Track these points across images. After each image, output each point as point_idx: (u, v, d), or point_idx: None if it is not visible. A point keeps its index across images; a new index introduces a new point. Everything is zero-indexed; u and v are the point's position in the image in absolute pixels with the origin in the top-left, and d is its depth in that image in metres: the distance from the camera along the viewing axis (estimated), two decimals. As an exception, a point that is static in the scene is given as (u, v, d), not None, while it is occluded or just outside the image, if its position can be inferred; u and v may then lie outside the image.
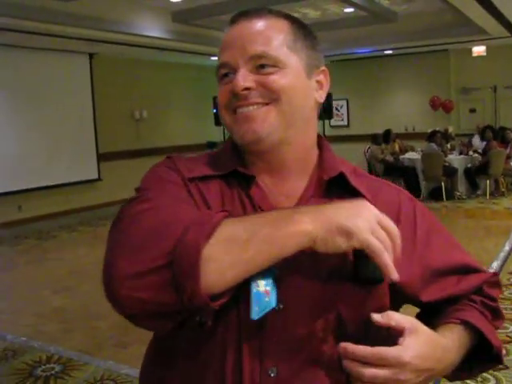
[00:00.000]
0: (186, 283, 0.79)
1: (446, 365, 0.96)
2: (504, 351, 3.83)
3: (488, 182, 10.09)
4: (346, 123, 14.63)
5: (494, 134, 11.02)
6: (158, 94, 12.45)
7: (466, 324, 1.01)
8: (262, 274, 0.86)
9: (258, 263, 0.83)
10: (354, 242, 0.84)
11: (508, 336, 4.09)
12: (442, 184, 10.00)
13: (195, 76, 13.29)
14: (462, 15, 9.24)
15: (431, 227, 1.10)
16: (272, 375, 0.90)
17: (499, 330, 3.46)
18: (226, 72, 1.00)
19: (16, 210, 9.55)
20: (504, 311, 3.64)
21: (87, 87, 10.71)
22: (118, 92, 11.40)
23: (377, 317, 0.88)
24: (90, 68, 10.76)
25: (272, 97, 0.97)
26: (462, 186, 10.36)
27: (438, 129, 11.25)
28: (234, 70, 0.98)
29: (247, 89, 0.96)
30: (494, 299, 1.11)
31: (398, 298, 1.02)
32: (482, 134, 11.19)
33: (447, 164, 10.18)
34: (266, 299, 0.86)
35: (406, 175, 10.58)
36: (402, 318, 0.89)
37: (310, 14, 10.37)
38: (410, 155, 11.01)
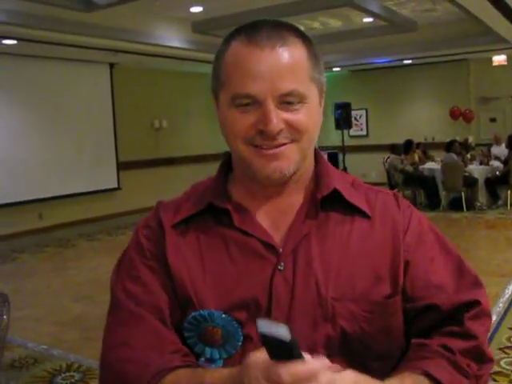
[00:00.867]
0: None
1: None
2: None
3: (509, 192, 9.98)
4: (365, 133, 14.58)
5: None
6: (177, 103, 12.52)
7: (427, 376, 0.93)
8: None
9: None
10: None
11: None
12: (462, 194, 9.92)
13: (214, 86, 13.34)
14: (482, 24, 9.17)
15: (431, 238, 1.10)
16: None
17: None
18: (247, 102, 0.95)
19: (37, 219, 9.65)
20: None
21: (107, 97, 10.82)
22: (138, 101, 11.49)
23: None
24: (111, 78, 10.87)
25: (296, 136, 0.97)
26: (482, 197, 10.25)
27: (457, 138, 11.16)
28: (259, 104, 0.94)
29: (280, 131, 0.95)
30: (473, 337, 0.99)
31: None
32: (509, 142, 10.88)
33: (467, 174, 10.09)
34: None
35: (426, 185, 10.51)
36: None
37: (329, 24, 10.38)
38: (429, 165, 10.94)
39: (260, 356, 0.77)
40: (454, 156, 10.24)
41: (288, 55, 0.95)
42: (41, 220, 9.71)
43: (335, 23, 10.40)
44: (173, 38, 9.29)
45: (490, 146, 11.68)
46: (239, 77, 0.95)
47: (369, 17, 9.43)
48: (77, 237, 9.28)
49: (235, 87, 0.96)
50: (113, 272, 1.13)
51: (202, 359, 0.99)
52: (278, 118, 0.94)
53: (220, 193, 1.06)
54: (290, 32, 0.98)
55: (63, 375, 3.98)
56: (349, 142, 13.42)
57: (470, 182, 10.08)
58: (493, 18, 8.65)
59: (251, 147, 0.97)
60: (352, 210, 1.04)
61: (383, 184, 11.24)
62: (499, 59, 12.36)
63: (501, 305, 4.99)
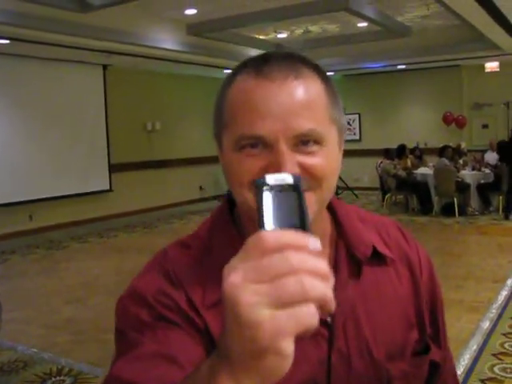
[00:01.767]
0: None
1: None
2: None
3: (501, 198, 10.02)
4: (358, 137, 14.62)
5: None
6: (170, 105, 12.49)
7: None
8: None
9: None
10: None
11: None
12: (455, 200, 9.94)
13: (208, 88, 13.31)
14: (475, 31, 9.22)
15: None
16: None
17: (508, 375, 3.23)
18: (255, 143, 0.81)
19: (27, 220, 9.58)
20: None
21: (100, 98, 10.77)
22: (131, 103, 11.46)
23: None
24: (104, 79, 10.82)
25: (313, 184, 0.82)
26: (474, 202, 10.28)
27: (450, 144, 11.20)
28: (269, 146, 0.80)
29: None
30: None
31: None
32: (498, 148, 11.05)
33: (460, 179, 10.13)
34: None
35: (419, 190, 10.53)
36: None
37: (324, 28, 10.40)
38: (422, 170, 10.96)
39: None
40: (447, 161, 10.27)
41: (304, 89, 0.81)
42: (31, 221, 9.64)
43: (330, 28, 10.42)
44: (167, 40, 9.27)
45: (483, 152, 11.73)
46: (245, 115, 0.81)
47: (363, 22, 9.45)
48: (68, 239, 9.23)
49: (241, 127, 0.81)
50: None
51: None
52: (292, 162, 0.79)
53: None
54: (305, 64, 0.85)
55: (54, 379, 3.94)
56: (342, 147, 13.44)
57: (463, 188, 10.11)
58: (486, 25, 8.69)
59: None
60: (379, 258, 0.96)
61: (375, 189, 11.26)
62: (492, 66, 12.44)
63: (494, 311, 4.99)
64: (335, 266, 0.92)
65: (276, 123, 0.79)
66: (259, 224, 0.55)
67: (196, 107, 13.12)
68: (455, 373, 1.09)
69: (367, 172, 13.36)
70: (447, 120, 12.97)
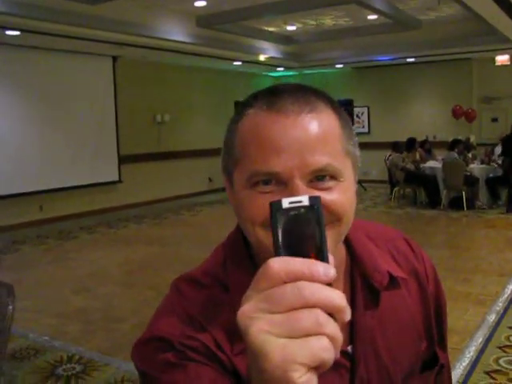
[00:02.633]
0: None
1: None
2: (526, 364, 3.79)
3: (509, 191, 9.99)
4: (366, 130, 14.60)
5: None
6: (180, 97, 12.52)
7: None
8: None
9: None
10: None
11: None
12: (463, 193, 9.93)
13: (217, 80, 13.36)
14: (486, 24, 9.17)
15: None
16: None
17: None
18: (266, 179, 0.77)
19: (37, 210, 9.67)
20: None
21: (110, 90, 10.82)
22: (141, 95, 11.50)
23: None
24: (113, 71, 10.87)
25: (330, 220, 0.78)
26: (483, 196, 10.26)
27: (459, 137, 11.17)
28: (284, 183, 0.76)
29: None
30: None
31: None
32: (502, 143, 11.04)
33: (468, 173, 10.11)
34: None
35: (427, 184, 10.52)
36: None
37: (334, 20, 10.38)
38: (430, 164, 10.95)
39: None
40: (456, 155, 10.25)
41: (318, 123, 0.78)
42: (41, 212, 9.73)
43: (340, 20, 10.40)
44: (177, 32, 9.29)
45: (493, 145, 11.70)
46: (258, 150, 0.77)
47: (373, 14, 9.43)
48: (78, 229, 9.30)
49: (254, 163, 0.77)
50: None
51: None
52: None
53: None
54: (318, 97, 0.81)
55: (64, 367, 4.00)
56: (350, 139, 13.43)
57: (471, 182, 10.09)
58: (497, 18, 8.65)
59: None
60: (391, 278, 0.94)
61: (384, 182, 11.26)
62: (502, 59, 12.36)
63: (500, 304, 5.01)
64: (352, 295, 0.90)
65: (291, 159, 0.75)
66: (274, 250, 0.54)
67: (205, 99, 13.15)
68: (450, 375, 1.11)
69: (376, 165, 13.35)
70: (456, 113, 12.92)
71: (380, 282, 0.91)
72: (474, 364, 3.79)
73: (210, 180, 13.40)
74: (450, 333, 1.10)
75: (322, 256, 0.53)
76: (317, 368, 0.49)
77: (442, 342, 1.04)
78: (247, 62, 12.36)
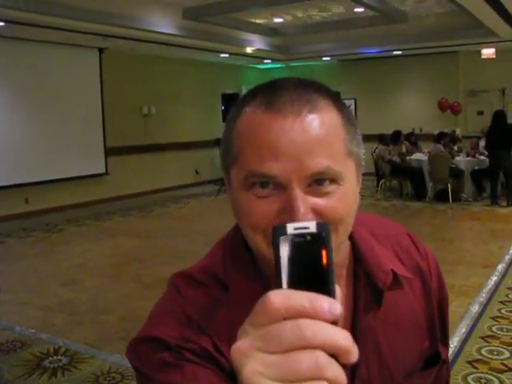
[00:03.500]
0: None
1: None
2: (508, 354, 3.86)
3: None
4: (353, 123, 14.62)
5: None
6: (166, 89, 12.49)
7: None
8: None
9: None
10: None
11: (503, 364, 3.78)
12: (449, 186, 10.01)
13: (204, 72, 13.33)
14: (472, 17, 9.23)
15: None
16: None
17: (505, 333, 3.48)
18: (265, 181, 0.74)
19: (23, 203, 9.62)
20: (509, 314, 3.65)
21: (96, 82, 10.76)
22: (127, 87, 11.46)
23: None
24: (100, 63, 10.80)
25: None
26: (468, 189, 10.35)
27: (445, 130, 11.25)
28: (281, 186, 0.73)
29: None
30: None
31: None
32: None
33: (454, 166, 10.18)
34: None
35: (413, 176, 10.59)
36: None
37: (318, 13, 10.38)
38: (416, 156, 11.02)
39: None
40: (442, 147, 10.33)
41: (319, 123, 0.74)
42: (27, 204, 9.68)
43: (326, 13, 10.40)
44: (163, 24, 9.26)
45: (479, 138, 11.79)
46: (255, 151, 0.74)
47: (360, 7, 9.44)
48: (64, 222, 9.27)
49: (250, 164, 0.74)
50: None
51: None
52: (305, 206, 0.72)
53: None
54: (319, 93, 0.77)
55: (51, 359, 4.01)
56: (337, 132, 13.47)
57: (457, 174, 10.17)
58: (482, 12, 8.71)
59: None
60: (396, 279, 0.91)
61: (370, 174, 11.32)
62: (488, 52, 12.45)
63: (483, 295, 5.08)
64: (354, 294, 0.89)
65: (289, 162, 0.72)
66: (275, 281, 0.49)
67: (192, 91, 13.12)
68: (448, 368, 1.11)
69: (362, 157, 13.38)
70: (443, 106, 13.01)
71: (384, 282, 0.88)
72: (456, 354, 3.85)
73: (197, 172, 13.40)
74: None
75: (327, 289, 0.48)
76: None
77: (444, 339, 1.04)
78: (234, 54, 12.35)
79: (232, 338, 0.73)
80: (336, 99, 0.78)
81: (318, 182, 0.73)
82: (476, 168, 10.34)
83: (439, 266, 1.04)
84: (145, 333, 0.82)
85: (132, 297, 5.27)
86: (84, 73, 10.50)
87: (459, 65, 13.33)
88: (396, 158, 10.91)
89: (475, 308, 4.74)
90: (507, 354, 3.83)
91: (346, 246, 0.88)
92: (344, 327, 0.81)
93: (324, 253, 0.49)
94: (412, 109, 13.86)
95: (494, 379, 3.49)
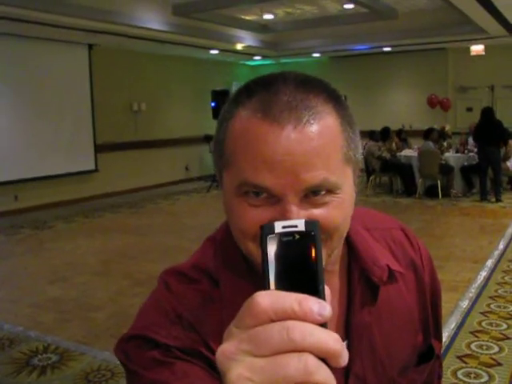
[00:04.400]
0: None
1: None
2: (497, 348, 3.88)
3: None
4: (343, 119, 14.63)
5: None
6: (156, 86, 12.44)
7: None
8: None
9: None
10: None
11: (502, 333, 4.13)
12: (438, 182, 10.05)
13: (194, 69, 13.29)
14: (461, 14, 9.26)
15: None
16: None
17: (494, 328, 3.49)
18: (256, 191, 0.72)
19: (12, 200, 9.55)
20: (498, 309, 3.67)
21: (86, 78, 10.70)
22: (117, 84, 11.40)
23: None
24: (89, 59, 10.74)
25: (323, 236, 0.72)
26: (457, 185, 10.40)
27: (434, 126, 11.28)
28: (275, 197, 0.71)
29: None
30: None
31: None
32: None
33: (443, 162, 10.22)
34: None
35: (403, 172, 10.63)
36: None
37: (308, 9, 10.38)
38: (406, 152, 11.05)
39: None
40: (431, 144, 10.36)
41: (317, 132, 0.71)
42: (16, 201, 9.62)
43: (316, 9, 10.40)
44: (153, 20, 9.22)
45: (467, 134, 11.84)
46: (250, 162, 0.71)
47: (350, 3, 9.44)
48: (53, 219, 9.22)
49: (244, 174, 0.72)
50: None
51: None
52: (300, 217, 0.69)
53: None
54: (319, 94, 0.73)
55: (40, 357, 3.98)
56: (327, 128, 13.49)
57: (446, 170, 10.21)
58: (471, 8, 8.73)
59: None
60: (391, 274, 0.91)
61: (360, 170, 11.35)
62: (477, 49, 12.50)
63: (473, 290, 5.10)
64: (349, 290, 0.88)
65: (284, 175, 0.69)
66: (262, 281, 0.48)
67: (181, 88, 13.08)
68: (441, 361, 1.11)
69: (360, 159, 13.41)
70: (432, 102, 13.05)
71: (379, 277, 0.87)
72: (446, 349, 3.86)
73: (187, 169, 13.37)
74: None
75: (316, 290, 0.47)
76: None
77: (437, 333, 1.03)
78: (224, 50, 12.32)
79: (222, 335, 0.74)
80: (337, 102, 0.75)
81: (313, 192, 0.71)
82: (465, 164, 10.38)
83: (432, 259, 1.03)
84: (133, 330, 0.80)
85: (122, 294, 5.25)
86: (73, 69, 10.43)
87: (448, 61, 13.38)
88: (386, 154, 10.93)
89: (465, 303, 4.76)
90: (496, 349, 3.86)
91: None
92: (338, 324, 0.86)
93: (313, 252, 0.48)
94: (402, 105, 13.90)
95: (484, 374, 3.51)
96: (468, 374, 3.50)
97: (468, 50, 12.61)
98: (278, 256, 0.48)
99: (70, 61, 10.36)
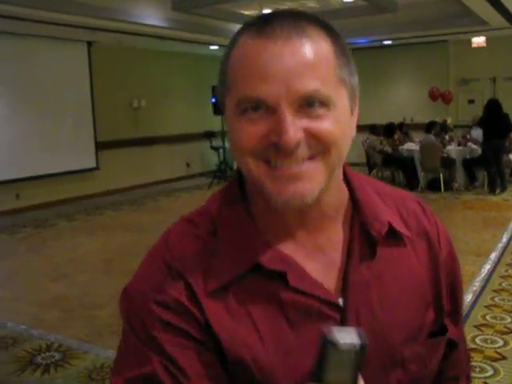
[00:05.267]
0: None
1: None
2: (502, 342, 3.86)
3: (485, 173, 10.10)
4: (344, 113, 14.57)
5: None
6: (156, 82, 12.41)
7: None
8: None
9: None
10: None
11: (506, 327, 4.12)
12: (441, 175, 10.02)
13: (194, 65, 13.25)
14: (462, 5, 9.21)
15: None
16: None
17: (498, 322, 3.47)
18: (254, 106, 0.76)
19: (14, 199, 9.54)
20: (502, 302, 3.65)
21: (85, 75, 10.67)
22: (117, 80, 11.37)
23: None
24: (89, 56, 10.71)
25: (320, 149, 0.78)
26: (460, 178, 10.37)
27: (436, 119, 11.25)
28: (271, 109, 0.75)
29: (297, 143, 0.76)
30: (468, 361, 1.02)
31: None
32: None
33: (445, 155, 10.19)
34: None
35: (405, 166, 10.59)
36: None
37: (309, 3, 10.33)
38: (408, 146, 11.02)
39: None
40: (433, 137, 10.33)
41: (308, 48, 0.76)
42: (18, 200, 9.61)
43: (314, 3, 10.35)
44: (152, 17, 9.18)
45: (469, 127, 11.80)
46: (246, 77, 0.77)
47: (349, -3, 9.40)
48: (55, 217, 9.21)
49: (242, 90, 0.77)
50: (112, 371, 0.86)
51: None
52: (295, 127, 0.75)
53: (256, 241, 0.84)
54: (311, 22, 0.79)
55: (43, 355, 3.98)
56: (328, 123, 13.46)
57: (448, 163, 10.18)
58: (473, 0, 8.68)
59: (262, 164, 0.78)
60: (396, 235, 0.90)
61: (362, 164, 11.32)
62: (478, 41, 12.44)
63: (477, 283, 5.08)
64: (349, 244, 0.88)
65: (278, 85, 0.74)
66: (314, 374, 0.62)
67: (181, 84, 13.04)
68: (469, 354, 1.06)
69: (354, 148, 13.10)
70: (433, 95, 13.00)
71: (378, 232, 0.87)
72: (451, 343, 3.84)
73: (188, 165, 13.35)
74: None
75: None
76: None
77: (455, 315, 0.98)
78: (224, 45, 12.25)
79: (208, 275, 0.82)
80: (329, 29, 0.81)
81: (308, 104, 0.75)
82: (467, 157, 10.35)
83: (451, 240, 0.99)
84: (126, 285, 0.86)
85: (124, 291, 5.24)
86: (73, 67, 10.40)
87: (450, 53, 13.32)
88: (387, 148, 10.90)
89: (468, 297, 4.74)
90: (501, 343, 3.84)
91: (343, 190, 0.89)
92: (337, 277, 0.87)
93: (354, 366, 0.63)
94: (403, 98, 13.85)
95: (489, 368, 3.50)
96: (473, 369, 3.48)
97: (469, 42, 12.55)
98: (330, 359, 0.62)
99: (70, 58, 10.32)
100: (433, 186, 10.21)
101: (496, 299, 4.70)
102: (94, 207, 9.94)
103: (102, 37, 10.02)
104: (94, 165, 10.92)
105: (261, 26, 0.78)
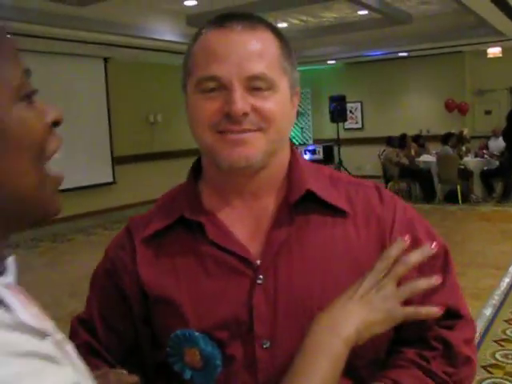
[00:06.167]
0: None
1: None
2: (523, 357, 3.79)
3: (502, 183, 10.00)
4: (360, 126, 14.57)
5: None
6: (172, 97, 12.46)
7: None
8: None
9: None
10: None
11: None
12: (458, 187, 9.93)
13: (209, 79, 13.32)
14: (477, 16, 9.17)
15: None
16: None
17: (509, 361, 3.36)
18: (213, 86, 0.91)
19: (32, 214, 9.61)
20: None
21: (102, 91, 10.78)
22: (133, 96, 11.46)
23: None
24: (105, 72, 10.82)
25: (262, 125, 0.92)
26: (477, 189, 10.27)
27: (452, 131, 11.17)
28: (225, 87, 0.90)
29: (245, 114, 0.90)
30: (448, 344, 0.96)
31: None
32: (503, 136, 10.90)
33: (462, 167, 10.10)
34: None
35: (421, 178, 10.52)
36: None
37: (324, 16, 10.36)
38: (425, 158, 10.94)
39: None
40: (450, 149, 10.25)
41: (257, 40, 0.93)
42: (36, 215, 9.67)
43: (330, 16, 10.38)
44: (167, 32, 9.26)
45: (487, 138, 11.69)
46: (205, 60, 0.92)
47: (364, 9, 9.41)
48: (73, 231, 9.27)
49: (200, 70, 0.93)
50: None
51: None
52: (243, 101, 0.89)
53: (191, 202, 1.01)
54: (262, 22, 0.97)
55: (60, 371, 3.97)
56: (344, 135, 13.43)
57: (465, 175, 10.09)
58: (487, 11, 8.64)
59: (216, 134, 0.92)
60: (332, 210, 0.98)
61: (378, 177, 11.27)
62: (494, 51, 12.36)
63: (496, 297, 5.01)
64: (276, 214, 0.98)
65: (231, 66, 0.89)
66: None
67: (198, 98, 13.10)
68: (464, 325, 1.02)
69: (370, 160, 13.35)
70: (449, 107, 12.93)
71: (293, 198, 0.97)
72: (470, 359, 3.78)
73: (205, 179, 13.37)
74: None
75: None
76: None
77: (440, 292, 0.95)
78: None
79: (146, 228, 1.04)
80: (275, 29, 0.98)
81: (256, 88, 0.91)
82: (485, 168, 10.25)
83: (415, 221, 1.04)
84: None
85: (141, 306, 5.24)
86: (89, 83, 10.51)
87: (465, 64, 13.25)
88: (404, 160, 10.83)
89: (488, 311, 4.68)
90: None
91: (280, 166, 1.00)
92: (262, 242, 0.96)
93: None
94: (419, 110, 13.77)
95: (510, 384, 3.43)
96: (494, 385, 3.42)
97: (485, 52, 12.47)
98: None
99: (86, 74, 10.43)
100: (450, 198, 10.12)
101: (516, 313, 4.63)
102: (112, 221, 9.98)
103: (118, 53, 10.13)
104: (110, 179, 11.00)
105: (221, 20, 0.94)
